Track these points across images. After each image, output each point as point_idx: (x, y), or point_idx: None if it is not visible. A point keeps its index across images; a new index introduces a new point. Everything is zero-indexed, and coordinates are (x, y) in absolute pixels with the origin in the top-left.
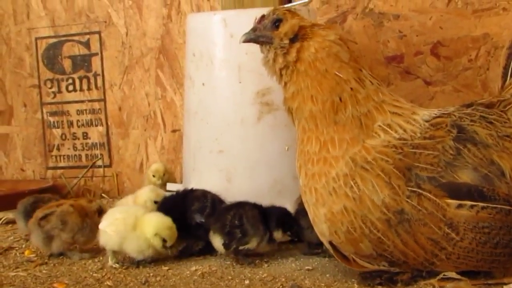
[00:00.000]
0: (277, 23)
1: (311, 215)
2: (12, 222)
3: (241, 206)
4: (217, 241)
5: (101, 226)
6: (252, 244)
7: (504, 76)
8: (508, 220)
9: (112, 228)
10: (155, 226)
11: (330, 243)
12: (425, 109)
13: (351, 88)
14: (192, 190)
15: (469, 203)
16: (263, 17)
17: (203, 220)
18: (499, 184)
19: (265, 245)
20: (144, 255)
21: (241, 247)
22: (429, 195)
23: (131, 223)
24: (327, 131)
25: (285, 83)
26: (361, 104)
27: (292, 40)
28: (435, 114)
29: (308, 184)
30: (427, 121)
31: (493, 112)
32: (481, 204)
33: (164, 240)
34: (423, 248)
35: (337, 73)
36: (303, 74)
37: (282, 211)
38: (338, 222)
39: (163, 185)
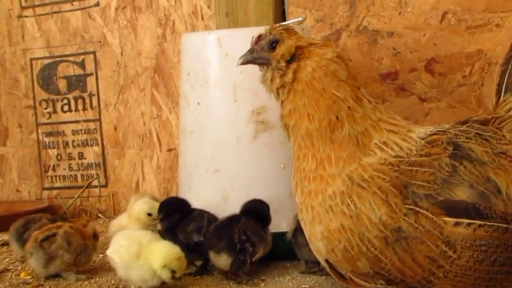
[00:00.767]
0: (273, 44)
1: (307, 233)
2: (7, 244)
3: (238, 220)
4: (222, 260)
5: (108, 252)
6: (260, 253)
7: (498, 93)
8: (505, 238)
9: (117, 255)
10: (163, 257)
11: (327, 261)
12: (421, 126)
13: (349, 107)
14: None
15: (466, 221)
16: (260, 37)
17: (202, 239)
18: (496, 201)
19: (268, 248)
20: (147, 285)
21: (253, 259)
22: (426, 212)
23: (135, 251)
24: (323, 149)
25: (282, 101)
26: (358, 123)
27: (289, 61)
28: (431, 132)
29: (304, 201)
30: (422, 139)
31: (488, 129)
32: (478, 222)
33: (173, 271)
34: (420, 266)
35: (334, 92)
36: (300, 93)
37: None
38: (335, 240)
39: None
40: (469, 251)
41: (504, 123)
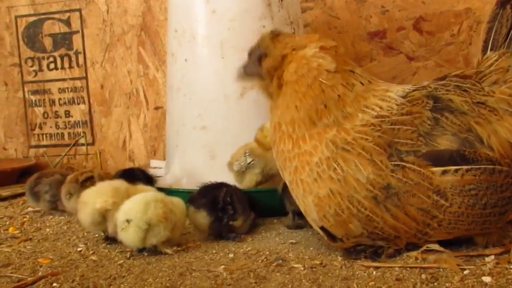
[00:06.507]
0: (261, 58)
1: (302, 208)
2: None
3: (228, 185)
4: (200, 218)
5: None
6: (238, 223)
7: (484, 50)
8: (493, 179)
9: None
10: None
11: (322, 228)
12: (399, 85)
13: (339, 95)
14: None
15: (453, 167)
16: (253, 49)
17: None
18: (479, 146)
19: (247, 225)
20: None
21: (230, 223)
22: (413, 166)
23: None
24: (300, 131)
25: (275, 101)
26: (348, 105)
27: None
28: (409, 89)
29: (293, 179)
30: (403, 97)
31: (467, 81)
32: (465, 167)
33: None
34: (414, 220)
35: (323, 80)
36: (288, 94)
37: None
38: (326, 206)
39: None
40: (460, 197)
41: (485, 78)
